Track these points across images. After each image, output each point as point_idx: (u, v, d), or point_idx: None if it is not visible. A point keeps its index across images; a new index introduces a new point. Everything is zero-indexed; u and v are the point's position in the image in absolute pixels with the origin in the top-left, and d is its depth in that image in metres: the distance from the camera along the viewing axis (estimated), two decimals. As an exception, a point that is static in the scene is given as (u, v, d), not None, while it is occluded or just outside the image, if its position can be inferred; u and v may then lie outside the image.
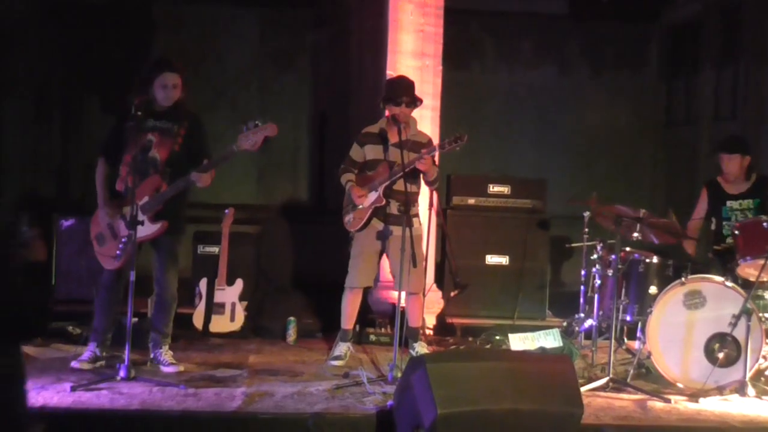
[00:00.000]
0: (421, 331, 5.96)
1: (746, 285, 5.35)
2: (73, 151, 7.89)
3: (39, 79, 7.59)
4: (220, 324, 6.39)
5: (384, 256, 5.82)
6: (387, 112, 5.76)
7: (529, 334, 5.79)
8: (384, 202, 5.61)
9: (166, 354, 5.37)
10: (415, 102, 5.67)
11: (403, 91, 5.64)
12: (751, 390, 5.15)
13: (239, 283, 6.47)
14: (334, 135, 7.66)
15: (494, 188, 6.92)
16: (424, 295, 5.93)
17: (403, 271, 5.27)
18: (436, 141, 5.99)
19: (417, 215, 5.73)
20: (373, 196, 5.65)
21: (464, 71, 8.02)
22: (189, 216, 5.42)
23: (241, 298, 6.49)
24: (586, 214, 6.21)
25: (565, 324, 6.40)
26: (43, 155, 7.81)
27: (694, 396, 5.16)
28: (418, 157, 5.45)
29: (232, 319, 6.42)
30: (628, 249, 5.80)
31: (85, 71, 7.48)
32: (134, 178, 5.02)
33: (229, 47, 7.94)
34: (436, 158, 5.71)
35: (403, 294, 5.47)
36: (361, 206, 5.67)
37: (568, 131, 8.49)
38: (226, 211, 6.47)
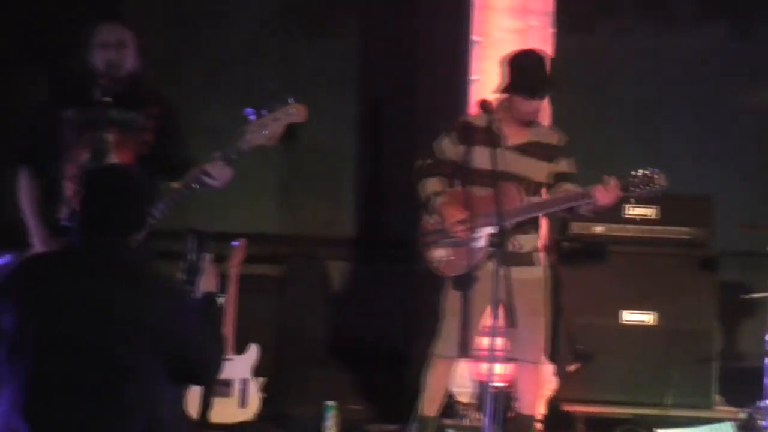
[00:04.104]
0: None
1: None
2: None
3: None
4: (226, 411, 6.40)
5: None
6: (494, 99, 5.68)
7: (688, 431, 5.77)
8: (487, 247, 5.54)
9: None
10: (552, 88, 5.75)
11: (540, 79, 5.58)
12: None
13: (253, 351, 6.52)
14: (394, 132, 7.73)
15: (634, 210, 6.83)
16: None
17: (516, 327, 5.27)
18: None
19: (537, 250, 5.81)
20: (486, 233, 5.57)
21: (589, 36, 7.96)
22: (176, 251, 5.27)
23: (257, 372, 6.52)
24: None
25: (742, 416, 6.36)
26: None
27: None
28: (581, 195, 5.50)
29: (243, 403, 6.45)
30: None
31: (30, 42, 7.56)
32: None
33: (238, 3, 7.95)
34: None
35: (498, 366, 5.53)
36: (460, 240, 5.59)
37: (747, 124, 8.36)
38: (234, 243, 6.51)
